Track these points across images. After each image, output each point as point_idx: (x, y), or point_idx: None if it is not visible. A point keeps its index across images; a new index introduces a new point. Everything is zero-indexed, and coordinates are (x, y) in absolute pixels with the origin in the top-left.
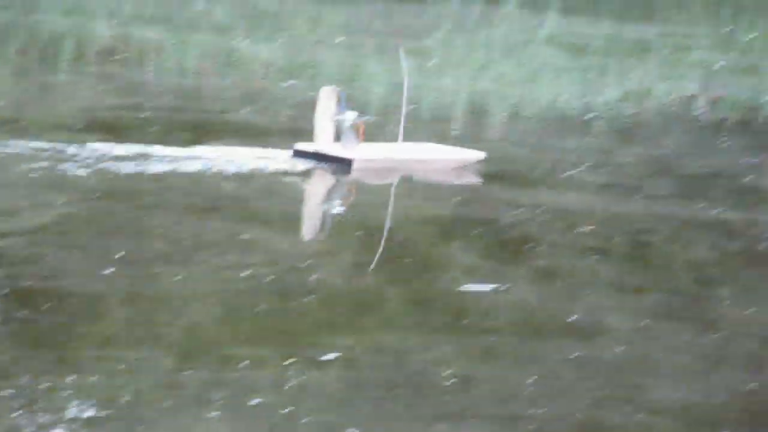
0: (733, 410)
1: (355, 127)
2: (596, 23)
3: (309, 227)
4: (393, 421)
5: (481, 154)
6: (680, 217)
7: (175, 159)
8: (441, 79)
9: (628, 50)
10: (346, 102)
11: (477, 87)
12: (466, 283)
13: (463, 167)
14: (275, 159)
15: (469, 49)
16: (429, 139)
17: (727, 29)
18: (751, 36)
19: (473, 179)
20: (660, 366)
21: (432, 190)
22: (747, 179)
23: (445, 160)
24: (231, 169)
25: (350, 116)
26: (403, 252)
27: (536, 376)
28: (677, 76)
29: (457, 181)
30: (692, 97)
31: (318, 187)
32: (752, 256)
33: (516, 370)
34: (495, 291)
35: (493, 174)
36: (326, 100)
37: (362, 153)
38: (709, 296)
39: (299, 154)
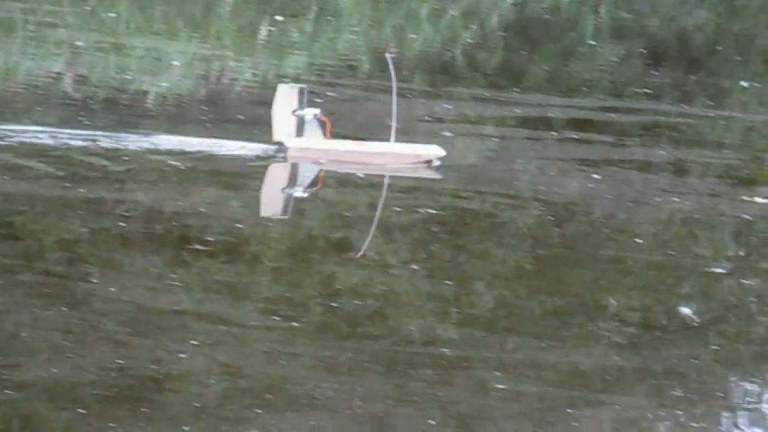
0: (101, 387)
1: (321, 123)
2: None
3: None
4: None
5: (440, 152)
6: (52, 195)
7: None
8: None
9: None
10: (306, 99)
11: None
12: None
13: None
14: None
15: None
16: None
17: (89, 7)
18: (111, 14)
19: None
20: (30, 344)
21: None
22: None
23: (397, 156)
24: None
25: (310, 111)
26: None
27: None
28: (43, 54)
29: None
30: (59, 75)
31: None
32: (121, 234)
33: None
34: None
35: None
36: (285, 97)
37: (299, 142)
38: (78, 274)
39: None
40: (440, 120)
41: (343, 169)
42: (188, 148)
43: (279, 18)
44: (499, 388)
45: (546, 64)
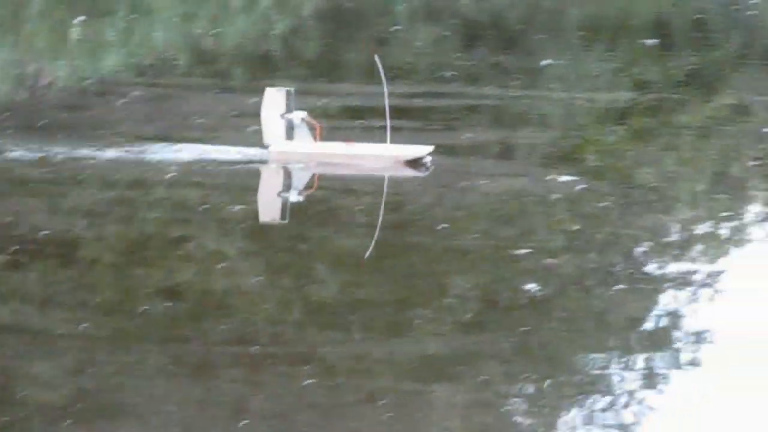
0: None
1: (310, 126)
2: None
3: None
4: None
5: (426, 150)
6: None
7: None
8: None
9: None
10: (294, 102)
11: None
12: None
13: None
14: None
15: None
16: None
17: None
18: None
19: None
20: None
21: None
22: None
23: (380, 157)
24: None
25: (298, 115)
26: None
27: None
28: None
29: None
30: None
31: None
32: None
33: None
34: None
35: None
36: (273, 100)
37: (282, 145)
38: None
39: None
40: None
41: (330, 171)
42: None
43: (87, 18)
44: (311, 383)
45: (362, 51)
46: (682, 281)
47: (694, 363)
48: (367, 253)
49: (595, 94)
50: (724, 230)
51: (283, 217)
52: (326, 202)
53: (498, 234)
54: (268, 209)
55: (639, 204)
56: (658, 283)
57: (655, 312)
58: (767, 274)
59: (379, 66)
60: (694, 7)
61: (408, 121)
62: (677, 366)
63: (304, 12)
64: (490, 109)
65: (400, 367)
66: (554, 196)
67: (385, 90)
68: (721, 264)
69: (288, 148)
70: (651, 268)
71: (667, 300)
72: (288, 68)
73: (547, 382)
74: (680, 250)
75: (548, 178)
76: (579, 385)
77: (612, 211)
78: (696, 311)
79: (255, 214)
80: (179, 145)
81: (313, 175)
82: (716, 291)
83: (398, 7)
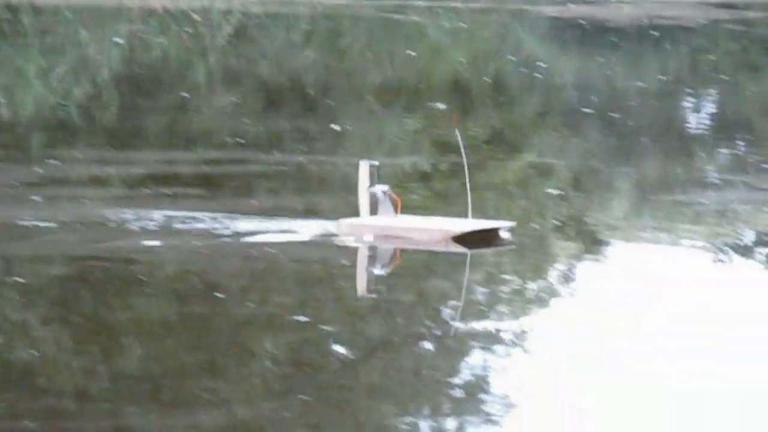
0: None
1: (391, 199)
2: None
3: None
4: None
5: (507, 224)
6: None
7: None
8: None
9: None
10: (377, 175)
11: None
12: None
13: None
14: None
15: None
16: None
17: None
18: None
19: None
20: None
21: None
22: None
23: (441, 231)
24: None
25: (380, 188)
26: None
27: None
28: None
29: None
30: None
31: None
32: None
33: None
34: None
35: None
36: (362, 174)
37: (350, 221)
38: None
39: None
40: (38, 184)
41: (387, 245)
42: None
43: None
44: None
45: (161, 116)
46: (491, 340)
47: (500, 424)
48: None
49: (396, 158)
50: (530, 289)
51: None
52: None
53: (306, 297)
54: (362, 283)
55: (447, 263)
56: (467, 343)
57: (464, 372)
58: (572, 336)
59: (459, 139)
60: (489, 70)
61: (201, 189)
62: (487, 424)
63: (103, 77)
64: (289, 174)
65: None
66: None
67: (465, 163)
68: (527, 323)
69: (357, 221)
70: (459, 327)
71: (476, 359)
72: (86, 136)
73: None
74: (487, 308)
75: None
76: None
77: (417, 269)
78: (504, 371)
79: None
80: None
81: (394, 251)
82: (524, 350)
83: (196, 73)
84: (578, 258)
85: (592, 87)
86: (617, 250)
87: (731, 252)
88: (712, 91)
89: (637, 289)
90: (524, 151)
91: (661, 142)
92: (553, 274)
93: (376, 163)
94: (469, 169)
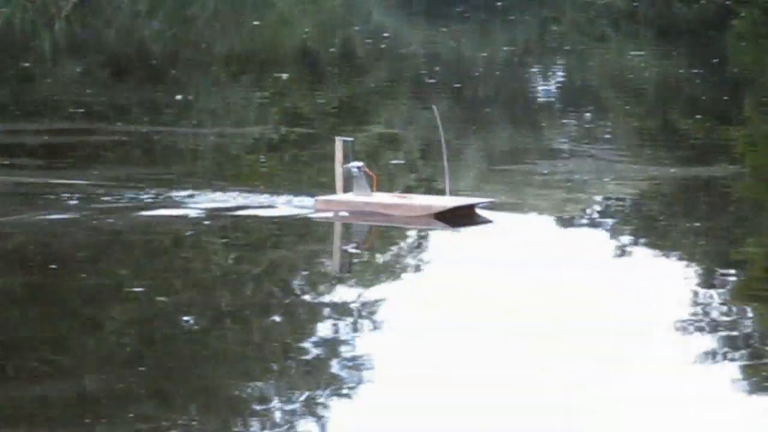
0: None
1: (367, 176)
2: None
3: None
4: None
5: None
6: None
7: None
8: None
9: None
10: (351, 151)
11: None
12: None
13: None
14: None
15: None
16: None
17: None
18: None
19: None
20: None
21: None
22: None
23: (422, 207)
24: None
25: (354, 165)
26: None
27: None
28: None
29: None
30: None
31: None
32: None
33: None
34: None
35: None
36: (338, 151)
37: (331, 197)
38: None
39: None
40: None
41: (363, 221)
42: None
43: None
44: None
45: (6, 86)
46: (341, 310)
47: (354, 391)
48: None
49: (246, 128)
50: (381, 260)
51: (348, 270)
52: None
53: (152, 268)
54: (338, 262)
55: (296, 234)
56: (316, 312)
57: (313, 341)
58: (426, 305)
59: (437, 116)
60: (336, 41)
61: (46, 159)
62: (338, 395)
63: None
64: (138, 144)
65: (55, 408)
66: (208, 226)
67: (442, 140)
68: (379, 293)
69: (334, 197)
70: (308, 297)
71: (326, 329)
72: None
73: (207, 414)
74: (338, 279)
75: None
76: (240, 416)
77: (271, 239)
78: (356, 339)
79: None
80: None
81: (369, 229)
82: (375, 320)
83: (42, 43)
84: (426, 229)
85: (439, 57)
86: (464, 220)
87: (577, 220)
88: (559, 62)
89: (483, 258)
90: (372, 122)
91: (507, 112)
92: (402, 245)
93: (351, 139)
94: (346, 141)
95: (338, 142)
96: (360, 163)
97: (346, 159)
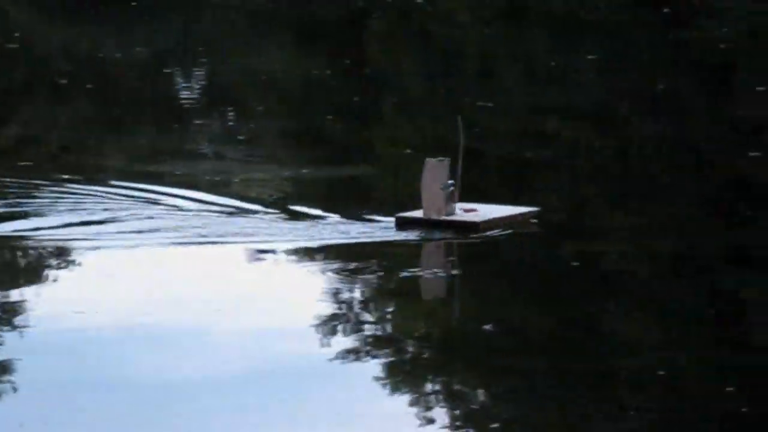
0: None
1: (449, 193)
2: None
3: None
4: None
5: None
6: None
7: None
8: None
9: None
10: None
11: None
12: None
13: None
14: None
15: None
16: None
17: None
18: None
19: None
20: None
21: None
22: None
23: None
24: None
25: (449, 184)
26: None
27: None
28: None
29: None
30: None
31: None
32: None
33: None
34: None
35: None
36: (435, 171)
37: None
38: None
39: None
40: None
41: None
42: None
43: None
44: None
45: None
46: None
47: None
48: None
49: None
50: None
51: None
52: None
53: None
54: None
55: None
56: None
57: None
58: None
59: (460, 127)
60: None
61: None
62: None
63: None
64: None
65: None
66: None
67: (461, 152)
68: None
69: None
70: None
71: None
72: None
73: None
74: None
75: None
76: None
77: None
78: None
79: None
80: None
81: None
82: None
83: None
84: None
85: (78, 58)
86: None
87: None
88: (200, 63)
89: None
90: (9, 122)
91: (144, 113)
92: None
93: (447, 159)
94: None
95: (432, 162)
96: (452, 182)
97: (446, 179)
